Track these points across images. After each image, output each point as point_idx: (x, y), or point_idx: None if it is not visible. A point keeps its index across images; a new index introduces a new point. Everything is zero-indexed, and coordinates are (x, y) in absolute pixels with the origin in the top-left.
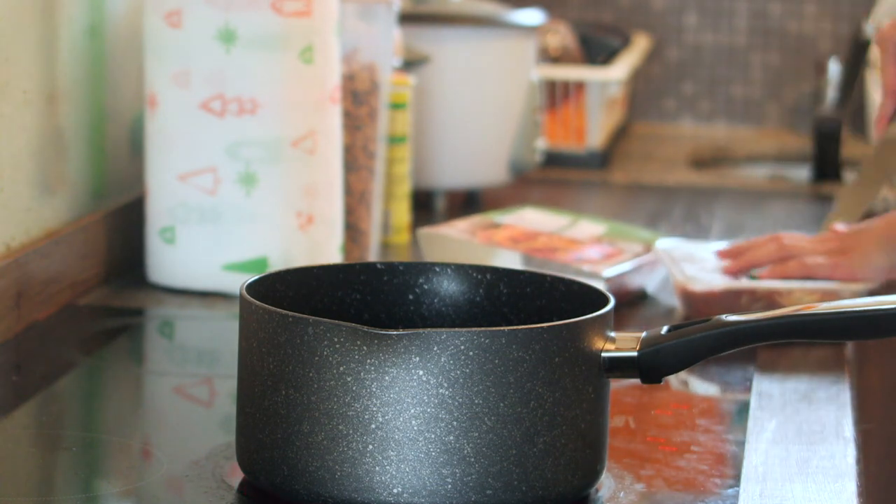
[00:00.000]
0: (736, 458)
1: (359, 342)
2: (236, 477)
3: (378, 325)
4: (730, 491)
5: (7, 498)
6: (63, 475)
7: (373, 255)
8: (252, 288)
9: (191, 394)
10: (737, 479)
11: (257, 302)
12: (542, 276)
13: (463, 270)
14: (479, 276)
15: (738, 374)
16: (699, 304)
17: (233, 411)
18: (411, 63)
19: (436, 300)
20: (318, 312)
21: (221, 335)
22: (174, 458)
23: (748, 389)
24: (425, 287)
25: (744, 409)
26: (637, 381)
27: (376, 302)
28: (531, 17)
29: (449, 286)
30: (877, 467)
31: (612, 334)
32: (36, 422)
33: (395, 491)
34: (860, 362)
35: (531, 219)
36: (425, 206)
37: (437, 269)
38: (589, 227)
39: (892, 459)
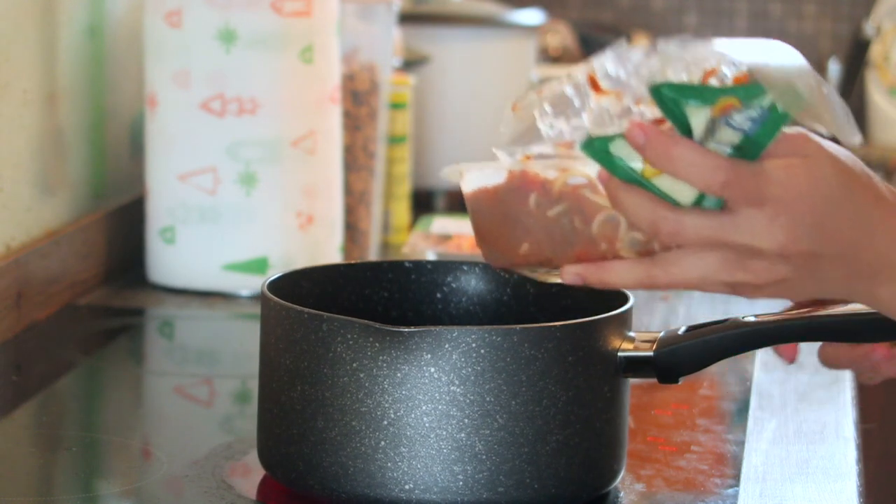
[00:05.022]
0: (736, 458)
1: (371, 339)
2: (236, 477)
3: (405, 323)
4: (730, 491)
5: (7, 498)
6: (63, 475)
7: (373, 255)
8: (275, 285)
9: (191, 394)
10: (737, 479)
11: (275, 298)
12: None
13: (491, 269)
14: (507, 276)
15: (738, 374)
16: (470, 211)
17: (233, 411)
18: (411, 63)
19: (463, 299)
20: (346, 310)
21: (221, 335)
22: (174, 458)
23: (748, 389)
24: (453, 286)
25: (744, 409)
26: (642, 380)
27: (404, 300)
28: (531, 17)
29: (477, 285)
30: (877, 467)
31: (632, 334)
32: (36, 422)
33: (406, 487)
34: None
35: (452, 226)
36: (425, 206)
37: (465, 268)
38: None
39: (892, 459)
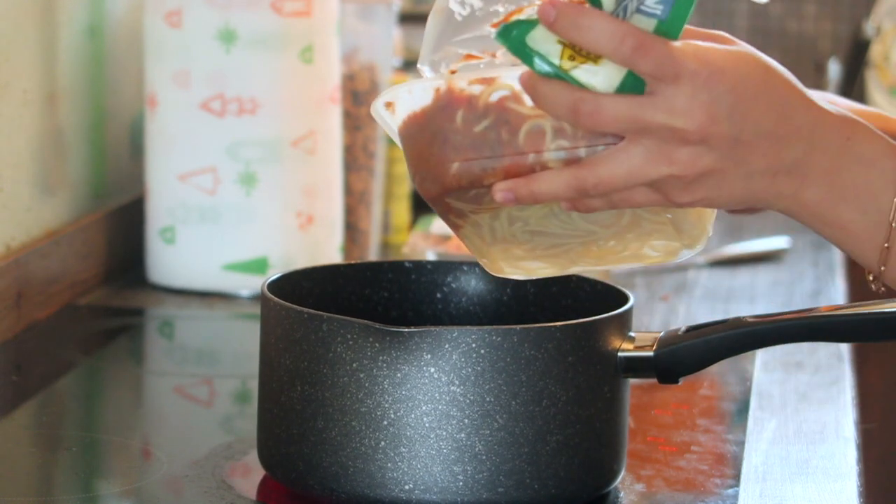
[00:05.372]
0: (736, 458)
1: (371, 339)
2: (236, 477)
3: (405, 323)
4: (730, 491)
5: (7, 498)
6: (63, 475)
7: (373, 255)
8: (275, 285)
9: (191, 394)
10: (737, 479)
11: (275, 298)
12: (568, 277)
13: None
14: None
15: (738, 374)
16: (402, 140)
17: (233, 411)
18: (411, 63)
19: (463, 299)
20: (346, 310)
21: (221, 335)
22: (174, 458)
23: (748, 389)
24: (453, 286)
25: (744, 409)
26: (642, 380)
27: (404, 300)
28: None
29: (477, 285)
30: (877, 467)
31: (632, 334)
32: (36, 422)
33: (406, 487)
34: (860, 362)
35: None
36: (425, 206)
37: (465, 268)
38: None
39: (892, 459)
